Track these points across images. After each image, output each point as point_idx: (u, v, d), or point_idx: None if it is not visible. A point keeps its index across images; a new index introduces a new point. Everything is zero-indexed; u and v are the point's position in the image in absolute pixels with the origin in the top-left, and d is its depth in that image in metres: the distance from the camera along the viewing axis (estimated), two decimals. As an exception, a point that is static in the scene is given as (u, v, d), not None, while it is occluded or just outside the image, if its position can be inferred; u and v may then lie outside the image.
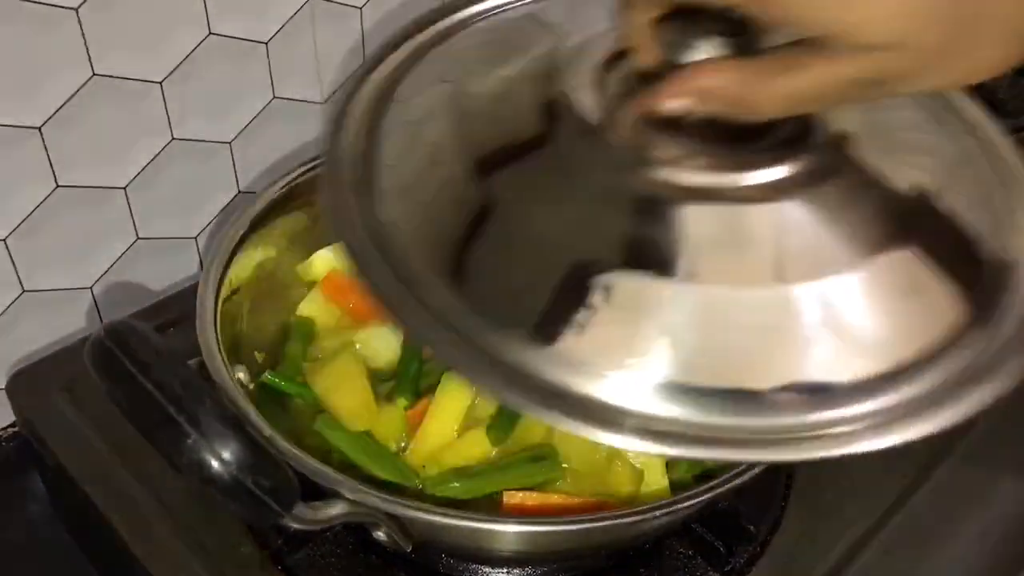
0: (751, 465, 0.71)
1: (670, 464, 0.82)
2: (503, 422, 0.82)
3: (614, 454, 0.81)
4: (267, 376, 0.85)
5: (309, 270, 0.96)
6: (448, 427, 0.82)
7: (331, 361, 0.87)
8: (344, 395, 0.83)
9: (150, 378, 0.61)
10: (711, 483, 0.71)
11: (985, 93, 1.35)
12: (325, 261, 0.95)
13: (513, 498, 0.78)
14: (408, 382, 0.85)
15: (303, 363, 0.88)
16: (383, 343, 0.89)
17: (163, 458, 0.61)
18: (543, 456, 0.81)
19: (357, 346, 0.89)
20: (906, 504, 0.88)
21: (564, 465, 0.81)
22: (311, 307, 0.94)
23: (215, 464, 0.60)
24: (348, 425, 0.81)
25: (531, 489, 0.79)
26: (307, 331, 0.91)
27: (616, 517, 0.70)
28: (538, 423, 0.83)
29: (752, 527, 0.84)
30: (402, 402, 0.84)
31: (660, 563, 0.82)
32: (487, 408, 0.84)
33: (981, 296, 0.61)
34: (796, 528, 0.85)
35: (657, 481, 0.79)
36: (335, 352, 0.88)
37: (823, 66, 0.52)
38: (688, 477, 0.81)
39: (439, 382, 0.83)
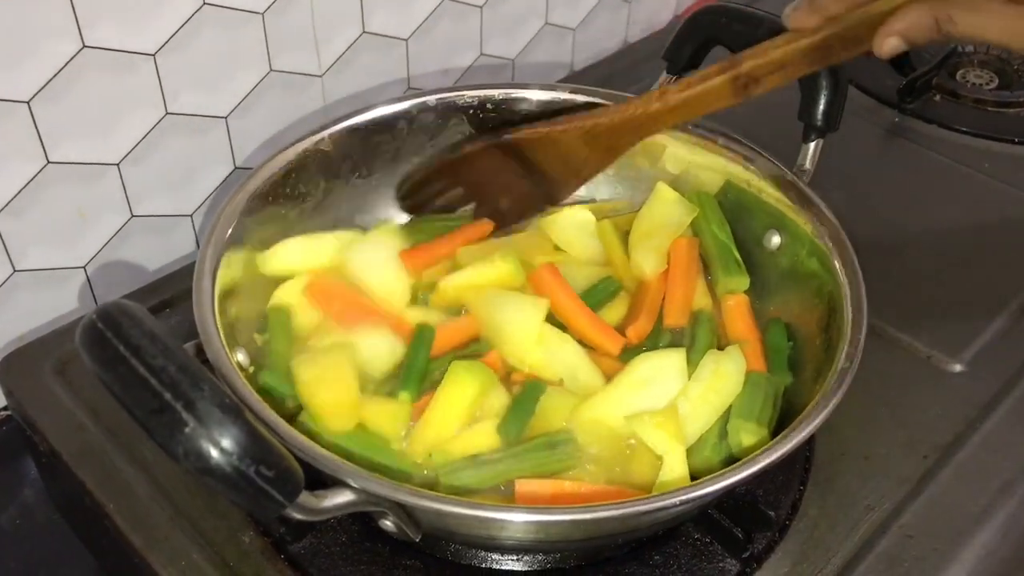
0: (781, 449, 0.69)
1: (691, 450, 0.79)
2: (516, 418, 0.80)
3: (638, 440, 0.79)
4: (264, 379, 0.81)
5: (270, 262, 0.89)
6: (451, 418, 0.79)
7: (319, 355, 0.82)
8: (327, 391, 0.79)
9: (144, 362, 0.58)
10: (735, 470, 0.68)
11: (999, 63, 1.33)
12: (290, 253, 0.90)
13: (526, 486, 0.75)
14: (414, 375, 0.83)
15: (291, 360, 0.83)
16: (385, 345, 0.85)
17: (159, 448, 0.57)
18: (560, 442, 0.78)
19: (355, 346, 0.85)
20: (928, 487, 0.85)
21: (583, 452, 0.78)
22: (287, 294, 0.89)
23: (214, 453, 0.56)
24: (329, 424, 0.77)
25: (545, 476, 0.76)
26: (283, 321, 0.87)
27: (634, 505, 0.67)
28: (554, 409, 0.80)
29: (771, 512, 0.82)
30: (406, 396, 0.81)
31: (675, 550, 0.80)
32: (499, 399, 0.81)
33: None
34: (815, 513, 0.83)
35: (677, 468, 0.77)
36: (326, 349, 0.83)
37: None
38: (715, 460, 0.79)
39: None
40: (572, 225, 0.98)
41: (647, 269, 0.93)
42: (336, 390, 0.80)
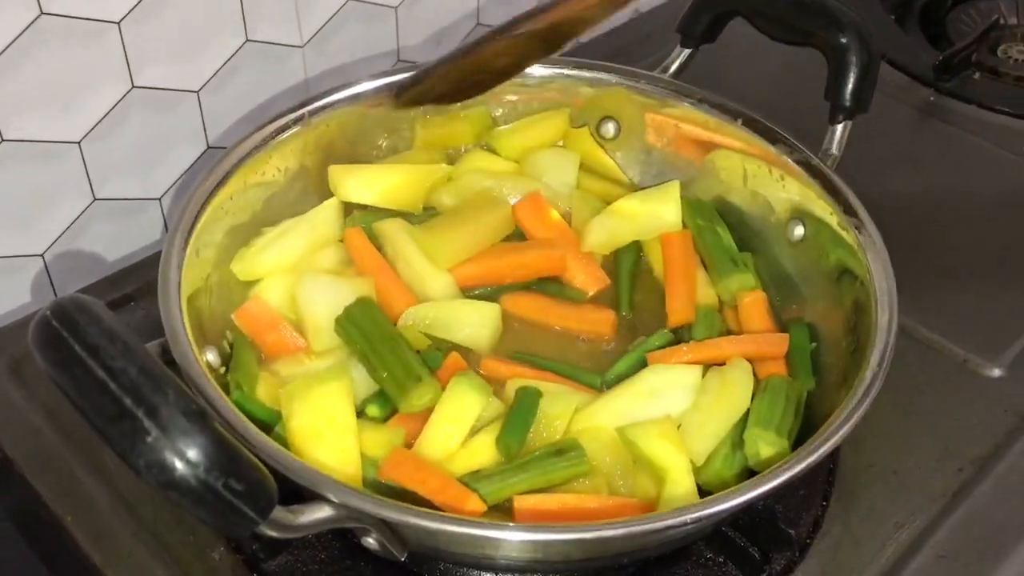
0: (803, 462, 0.68)
1: (706, 463, 0.79)
2: (514, 429, 0.79)
3: (638, 452, 0.78)
4: (234, 396, 0.79)
5: (251, 266, 0.89)
6: (452, 436, 0.78)
7: (311, 393, 0.77)
8: (327, 449, 0.75)
9: (102, 364, 0.57)
10: (751, 485, 0.68)
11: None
12: (272, 259, 0.89)
13: (526, 501, 0.74)
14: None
15: (256, 371, 0.83)
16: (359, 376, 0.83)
17: (118, 458, 0.56)
18: (567, 448, 0.77)
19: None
20: (964, 502, 0.85)
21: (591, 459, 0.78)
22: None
23: (179, 465, 0.55)
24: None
25: (546, 490, 0.76)
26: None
27: (639, 523, 0.66)
28: (553, 417, 0.80)
29: (790, 530, 0.81)
30: (375, 411, 0.81)
31: (685, 570, 0.79)
32: (492, 409, 0.81)
33: None
34: (839, 531, 0.82)
35: (683, 482, 0.76)
36: (309, 383, 0.78)
37: None
38: (728, 474, 0.78)
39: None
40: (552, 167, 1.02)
41: (589, 241, 0.95)
42: (339, 449, 0.75)
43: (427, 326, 0.87)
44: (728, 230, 0.97)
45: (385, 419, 0.81)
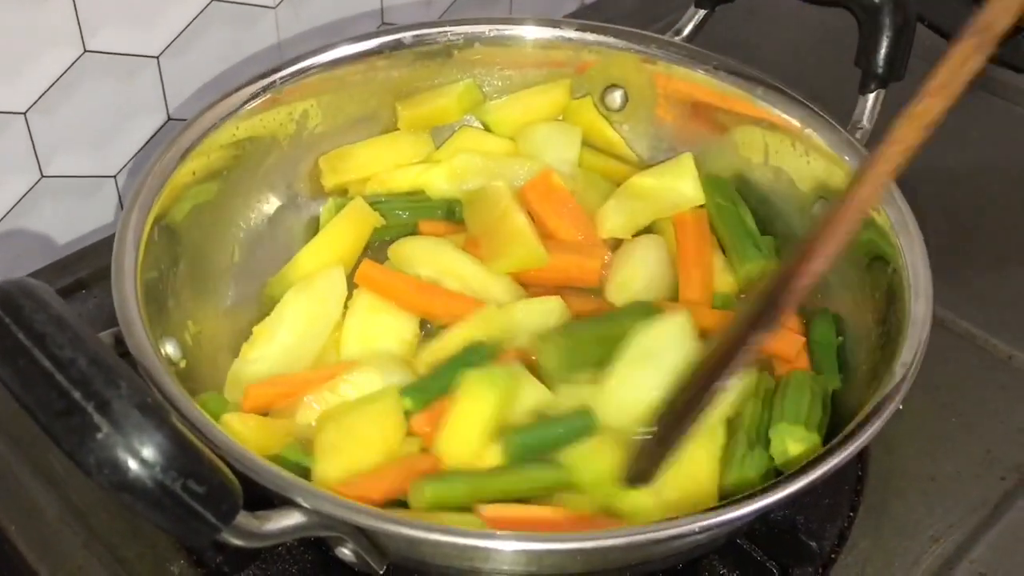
0: (826, 465, 0.69)
1: (724, 468, 0.80)
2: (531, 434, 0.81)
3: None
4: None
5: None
6: (468, 440, 0.80)
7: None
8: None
9: (49, 354, 0.58)
10: (768, 490, 0.68)
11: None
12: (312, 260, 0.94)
13: (493, 511, 0.75)
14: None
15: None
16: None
17: (67, 457, 0.57)
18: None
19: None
20: (1007, 514, 0.85)
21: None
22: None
23: (133, 465, 0.56)
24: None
25: (521, 501, 0.77)
26: None
27: (644, 532, 0.67)
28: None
29: (812, 543, 0.82)
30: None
31: (696, 587, 0.80)
32: (533, 395, 0.83)
33: None
34: (867, 545, 0.83)
35: (705, 475, 0.78)
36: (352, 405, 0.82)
37: None
38: (752, 475, 0.79)
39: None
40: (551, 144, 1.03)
41: (607, 226, 0.96)
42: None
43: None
44: (750, 211, 0.98)
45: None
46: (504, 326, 0.88)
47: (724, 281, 0.95)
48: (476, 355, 0.85)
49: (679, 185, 0.99)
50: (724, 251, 0.97)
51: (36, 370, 0.58)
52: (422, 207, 1.01)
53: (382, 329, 0.90)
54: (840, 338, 0.88)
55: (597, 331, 0.87)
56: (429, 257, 0.95)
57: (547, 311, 0.90)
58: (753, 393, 0.84)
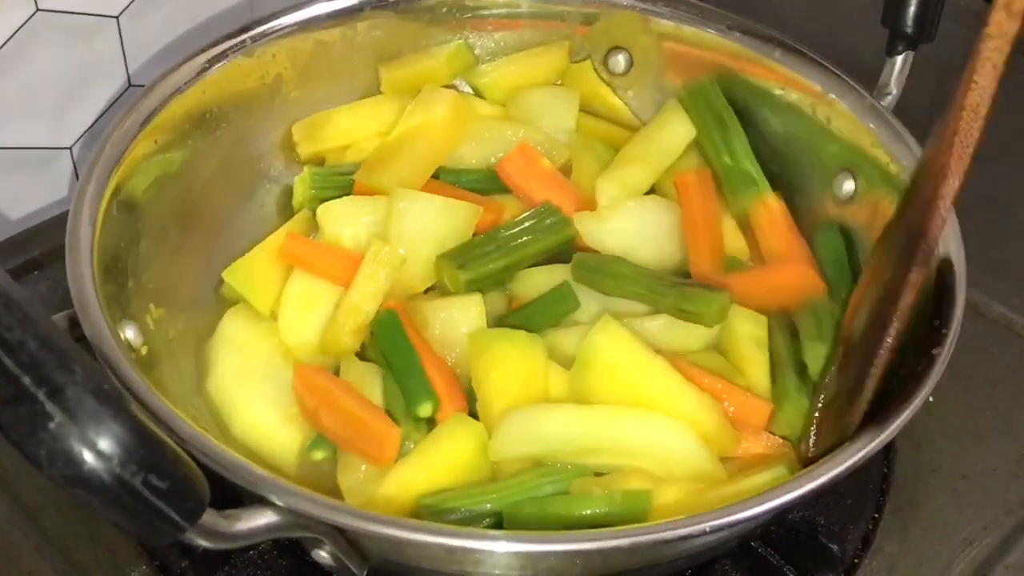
0: (848, 460, 0.69)
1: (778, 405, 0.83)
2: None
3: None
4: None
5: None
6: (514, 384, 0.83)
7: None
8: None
9: (-4, 337, 0.58)
10: (784, 488, 0.68)
11: None
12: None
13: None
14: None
15: None
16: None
17: (15, 449, 0.57)
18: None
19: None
20: (1044, 517, 0.86)
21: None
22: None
23: (88, 458, 0.56)
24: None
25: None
26: None
27: (647, 533, 0.67)
28: None
29: (833, 546, 0.83)
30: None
31: (707, 594, 0.81)
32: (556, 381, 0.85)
33: None
34: (894, 549, 0.84)
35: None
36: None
37: None
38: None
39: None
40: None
41: (603, 202, 0.96)
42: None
43: None
44: (745, 137, 0.98)
45: None
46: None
47: (736, 244, 0.96)
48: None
49: (669, 137, 0.99)
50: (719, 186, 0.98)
51: (-18, 355, 0.58)
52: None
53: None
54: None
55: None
56: (355, 218, 0.94)
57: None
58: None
